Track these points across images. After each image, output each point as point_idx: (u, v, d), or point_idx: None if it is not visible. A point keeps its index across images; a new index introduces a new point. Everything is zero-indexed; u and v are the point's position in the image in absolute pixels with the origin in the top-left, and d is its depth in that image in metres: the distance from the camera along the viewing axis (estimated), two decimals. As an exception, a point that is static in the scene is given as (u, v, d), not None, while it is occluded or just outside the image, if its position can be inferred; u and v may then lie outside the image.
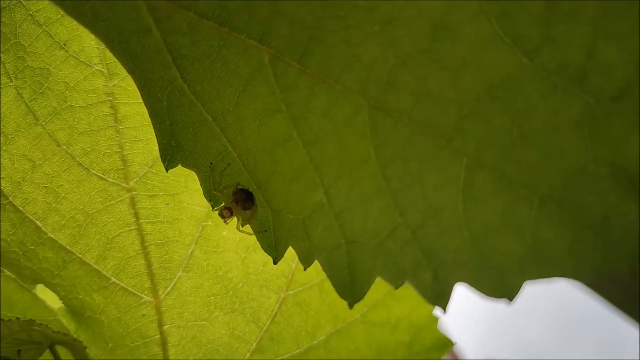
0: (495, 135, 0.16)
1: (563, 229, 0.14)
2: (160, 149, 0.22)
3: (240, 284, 0.26)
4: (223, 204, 0.22)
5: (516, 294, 0.14)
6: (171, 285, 0.26)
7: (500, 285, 0.15)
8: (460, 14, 0.16)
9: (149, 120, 0.22)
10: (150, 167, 0.25)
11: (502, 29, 0.15)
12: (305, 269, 0.20)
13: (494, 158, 0.16)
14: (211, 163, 0.22)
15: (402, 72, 0.17)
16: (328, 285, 0.24)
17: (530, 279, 0.14)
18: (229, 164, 0.22)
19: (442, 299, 0.16)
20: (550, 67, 0.15)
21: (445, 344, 0.29)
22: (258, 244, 0.22)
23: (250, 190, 0.22)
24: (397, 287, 0.18)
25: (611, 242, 0.13)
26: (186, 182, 0.26)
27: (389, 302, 0.28)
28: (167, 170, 0.22)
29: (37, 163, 0.24)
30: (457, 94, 0.16)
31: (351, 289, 0.19)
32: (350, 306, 0.18)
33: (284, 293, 0.27)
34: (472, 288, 0.15)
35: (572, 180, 0.14)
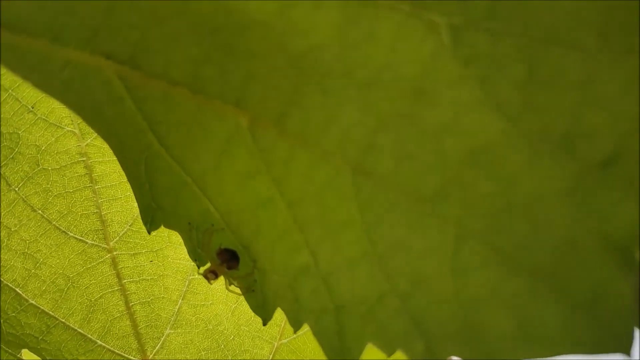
0: (481, 203, 0.15)
1: (554, 306, 0.14)
2: (140, 211, 0.21)
3: (232, 336, 0.26)
4: (208, 265, 0.22)
5: (510, 373, 0.14)
6: (159, 343, 0.25)
7: (494, 364, 0.14)
8: (440, 78, 0.15)
9: (126, 177, 0.22)
10: (130, 225, 0.24)
11: (484, 93, 0.15)
12: (295, 332, 0.20)
13: (482, 227, 0.15)
14: (189, 223, 0.21)
15: (382, 136, 0.17)
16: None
17: (523, 357, 0.14)
18: (212, 224, 0.21)
19: (435, 372, 0.15)
20: (534, 133, 0.15)
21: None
22: (248, 294, 0.21)
23: (234, 249, 0.21)
24: (389, 355, 0.17)
25: (604, 323, 0.13)
26: (169, 236, 0.25)
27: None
28: (149, 232, 0.22)
29: (12, 229, 0.23)
30: (438, 159, 0.16)
31: (341, 355, 0.18)
32: (343, 376, 0.18)
33: (277, 342, 0.26)
34: (466, 364, 0.15)
35: (561, 254, 0.14)
